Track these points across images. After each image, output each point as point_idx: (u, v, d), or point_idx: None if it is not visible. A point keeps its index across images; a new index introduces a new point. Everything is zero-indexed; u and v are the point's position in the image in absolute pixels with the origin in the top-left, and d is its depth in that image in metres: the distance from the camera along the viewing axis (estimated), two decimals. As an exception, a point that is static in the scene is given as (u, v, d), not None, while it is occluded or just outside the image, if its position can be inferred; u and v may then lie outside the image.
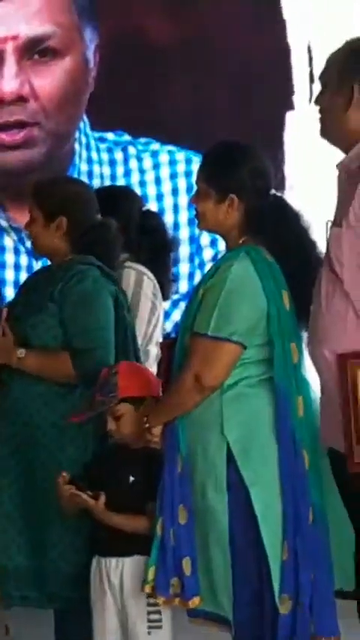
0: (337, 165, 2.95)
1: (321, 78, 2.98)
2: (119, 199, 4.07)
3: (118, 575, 3.22)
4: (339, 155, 2.99)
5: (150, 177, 5.58)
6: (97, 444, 3.40)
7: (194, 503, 3.07)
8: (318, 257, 3.04)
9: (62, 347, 3.44)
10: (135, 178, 5.60)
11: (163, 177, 5.54)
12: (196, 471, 3.07)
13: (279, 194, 3.34)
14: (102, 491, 3.18)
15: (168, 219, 5.30)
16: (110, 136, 5.73)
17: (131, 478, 3.24)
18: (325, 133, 2.97)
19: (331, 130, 2.95)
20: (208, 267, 5.18)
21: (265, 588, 3.00)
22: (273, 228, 3.13)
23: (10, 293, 5.16)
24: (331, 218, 2.93)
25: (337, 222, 2.85)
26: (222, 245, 5.00)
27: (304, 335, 3.08)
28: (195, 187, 3.26)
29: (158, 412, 3.18)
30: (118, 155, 5.69)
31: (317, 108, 2.98)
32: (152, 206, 5.23)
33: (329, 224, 2.90)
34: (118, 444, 3.30)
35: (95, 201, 3.68)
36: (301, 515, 3.01)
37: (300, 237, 3.16)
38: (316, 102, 2.99)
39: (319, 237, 3.08)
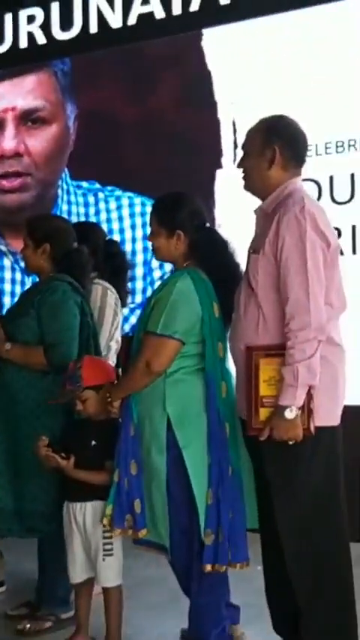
0: (254, 210, 2.94)
1: (243, 147, 2.94)
2: (89, 232, 3.99)
3: (82, 515, 3.18)
4: (253, 202, 2.95)
5: (114, 215, 5.52)
6: (65, 415, 3.33)
7: (142, 459, 3.03)
8: (240, 275, 2.99)
9: (39, 343, 3.37)
10: (103, 216, 5.55)
11: (124, 215, 5.49)
12: (144, 436, 3.03)
13: (212, 227, 3.28)
14: (72, 453, 3.15)
15: (127, 247, 5.29)
16: (85, 184, 5.67)
17: (93, 442, 3.19)
18: (248, 187, 2.94)
19: (254, 185, 2.91)
20: (157, 284, 5.17)
21: (194, 525, 2.97)
22: (208, 253, 3.09)
23: (7, 301, 5.10)
24: (248, 247, 2.91)
25: (255, 251, 2.82)
26: (167, 267, 5.01)
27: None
28: (149, 228, 3.20)
29: (118, 389, 3.13)
30: (91, 199, 5.64)
31: (240, 169, 2.94)
32: (116, 237, 5.19)
33: (250, 251, 2.87)
34: (84, 418, 3.23)
35: (73, 232, 3.63)
36: (223, 470, 2.97)
37: (227, 259, 3.13)
38: (239, 165, 2.95)
39: (241, 261, 3.05)
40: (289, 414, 2.64)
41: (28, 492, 3.33)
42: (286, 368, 2.64)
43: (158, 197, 3.25)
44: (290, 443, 2.67)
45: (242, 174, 2.94)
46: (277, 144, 2.83)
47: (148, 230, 3.23)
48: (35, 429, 3.29)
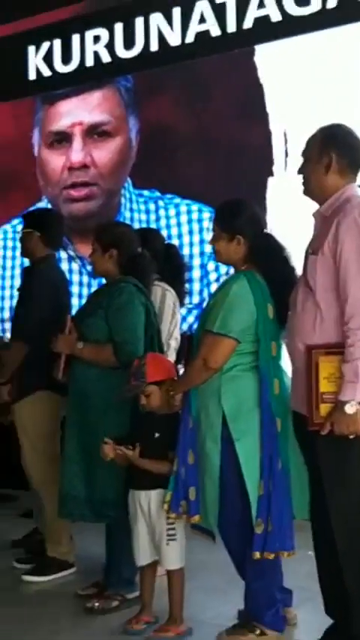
0: (313, 214, 2.90)
1: (303, 154, 2.91)
2: (150, 237, 4.00)
3: (147, 503, 3.18)
4: (304, 208, 2.94)
5: (173, 221, 5.52)
6: (131, 408, 3.33)
7: (198, 449, 3.03)
8: (294, 278, 2.97)
9: (108, 341, 3.40)
10: (163, 222, 5.56)
11: (182, 222, 5.49)
12: (200, 428, 3.03)
13: (270, 233, 3.25)
14: (138, 444, 3.15)
15: (185, 251, 5.27)
16: (146, 192, 5.69)
17: (156, 434, 3.19)
18: (307, 192, 2.90)
19: (312, 190, 2.88)
20: (212, 286, 5.16)
21: (246, 514, 2.96)
22: (265, 258, 3.07)
23: (75, 302, 5.13)
24: (306, 248, 2.87)
25: (314, 252, 2.79)
26: (223, 270, 5.00)
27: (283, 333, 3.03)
28: (211, 232, 3.20)
29: (179, 384, 3.15)
30: (151, 206, 5.65)
31: (300, 175, 2.90)
32: (174, 242, 5.17)
33: (309, 252, 2.83)
34: (148, 412, 3.23)
35: (137, 238, 3.64)
36: (274, 463, 2.96)
37: (283, 263, 3.10)
38: (299, 172, 2.92)
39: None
40: (350, 409, 2.61)
41: (99, 481, 3.35)
42: (347, 365, 2.62)
43: (220, 203, 3.24)
44: (351, 437, 2.64)
45: (302, 180, 2.91)
46: (334, 151, 2.80)
47: (206, 235, 3.23)
48: (104, 421, 3.32)
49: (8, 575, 3.87)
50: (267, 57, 5.17)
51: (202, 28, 5.34)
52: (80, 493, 3.39)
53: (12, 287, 6.04)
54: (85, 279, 5.79)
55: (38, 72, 6.08)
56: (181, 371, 3.67)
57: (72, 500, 3.43)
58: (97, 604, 3.39)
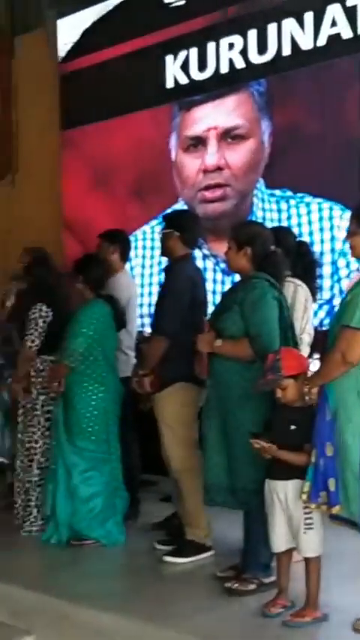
0: None
1: None
2: (282, 235, 3.96)
3: (284, 493, 3.15)
4: None
5: (304, 220, 5.44)
6: (267, 400, 3.29)
7: (337, 442, 2.97)
8: None
9: (244, 336, 3.39)
10: (294, 221, 5.49)
11: (314, 220, 5.40)
12: (338, 420, 2.97)
13: None
14: (274, 436, 3.13)
15: (316, 248, 5.17)
16: (278, 192, 5.63)
17: (292, 427, 3.16)
18: None
19: None
20: (343, 282, 5.06)
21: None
22: None
23: (209, 298, 5.15)
24: None
25: None
26: (353, 266, 4.89)
27: None
28: (346, 229, 3.15)
29: (316, 378, 3.11)
30: (283, 205, 5.59)
31: None
32: (306, 239, 5.10)
33: None
34: (284, 405, 3.19)
35: (271, 237, 3.62)
36: None
37: None
38: None
39: None
40: None
41: (240, 470, 3.36)
42: None
43: (358, 202, 3.18)
44: None
45: None
46: None
47: (337, 232, 3.16)
48: (244, 413, 3.32)
49: (150, 555, 3.95)
50: None
51: (334, 31, 5.25)
52: (223, 482, 3.41)
53: (150, 284, 6.14)
54: (219, 276, 5.81)
55: (175, 80, 6.16)
56: (312, 365, 3.62)
57: (215, 488, 3.45)
58: (235, 585, 3.40)
